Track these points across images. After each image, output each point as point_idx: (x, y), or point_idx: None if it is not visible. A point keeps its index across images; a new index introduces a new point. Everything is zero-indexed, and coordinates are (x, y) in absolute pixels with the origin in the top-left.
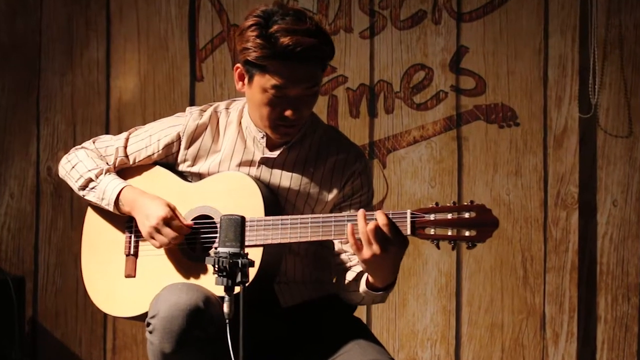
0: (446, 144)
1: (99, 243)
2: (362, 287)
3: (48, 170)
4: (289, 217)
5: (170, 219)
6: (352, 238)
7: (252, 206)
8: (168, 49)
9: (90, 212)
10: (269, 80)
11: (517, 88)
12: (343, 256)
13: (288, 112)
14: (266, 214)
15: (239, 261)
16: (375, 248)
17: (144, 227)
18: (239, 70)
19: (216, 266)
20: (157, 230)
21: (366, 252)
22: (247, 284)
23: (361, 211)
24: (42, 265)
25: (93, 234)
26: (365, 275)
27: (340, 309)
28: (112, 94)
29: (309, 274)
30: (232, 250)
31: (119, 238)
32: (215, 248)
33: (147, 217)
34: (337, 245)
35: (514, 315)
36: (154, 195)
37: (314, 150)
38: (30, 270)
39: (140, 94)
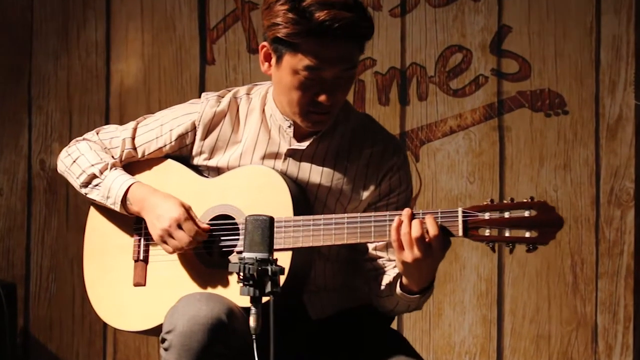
0: (486, 134)
1: (104, 247)
2: (398, 290)
3: (41, 163)
4: (322, 216)
5: (185, 221)
6: (395, 233)
7: (278, 204)
8: (175, 28)
9: (93, 212)
10: (301, 61)
11: (566, 72)
12: (378, 262)
13: (322, 97)
14: (295, 214)
15: (269, 268)
16: (418, 252)
17: (155, 229)
18: (265, 49)
19: (241, 274)
20: (170, 234)
21: (407, 255)
22: (277, 294)
23: (407, 211)
24: (35, 270)
25: (97, 237)
26: (401, 277)
27: (377, 320)
28: (112, 79)
29: (341, 281)
30: (259, 255)
31: (127, 242)
32: (238, 252)
33: (159, 218)
34: (371, 250)
35: (562, 325)
36: (166, 194)
37: (346, 142)
38: (21, 276)
39: (144, 79)
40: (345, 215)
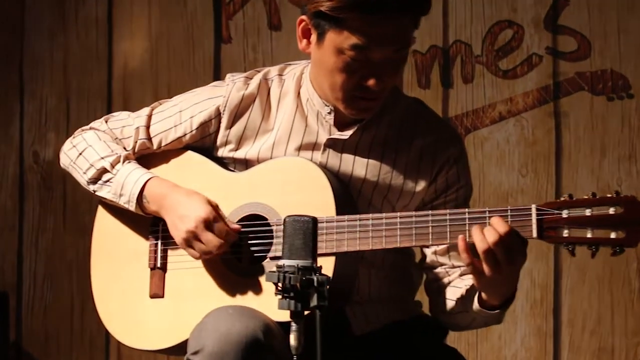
0: (541, 121)
1: (115, 253)
2: (475, 306)
3: (34, 155)
4: (370, 216)
5: (213, 221)
6: (466, 255)
7: (318, 203)
8: (186, 2)
9: (102, 212)
10: (347, 39)
11: (631, 51)
12: (439, 270)
13: (370, 81)
14: (337, 213)
15: (314, 278)
16: (497, 264)
17: (178, 231)
18: (303, 24)
19: (280, 284)
20: (197, 236)
21: (487, 271)
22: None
23: (476, 227)
24: (28, 277)
25: (106, 241)
26: (478, 292)
27: (429, 335)
28: (115, 60)
29: (387, 290)
30: (301, 263)
31: (141, 247)
32: (272, 258)
33: (182, 218)
34: (430, 255)
35: (627, 337)
36: (190, 190)
37: (395, 130)
38: (13, 283)
39: (151, 60)
40: (398, 214)
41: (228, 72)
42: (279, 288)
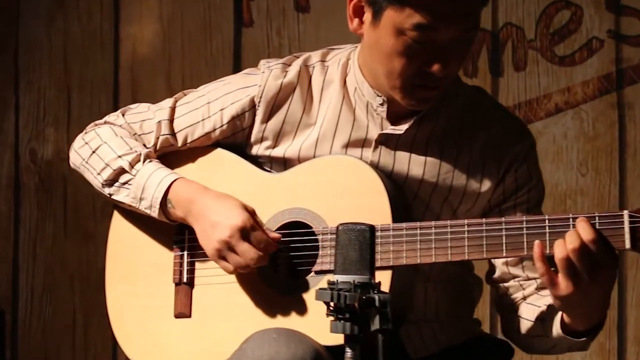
0: (602, 113)
1: (133, 266)
2: (556, 330)
3: (31, 154)
4: (432, 223)
5: (250, 229)
6: (542, 264)
7: (371, 208)
8: None
9: (118, 218)
10: (409, 17)
11: None
12: (511, 283)
13: (434, 67)
14: (394, 220)
15: (376, 296)
16: (577, 278)
17: (209, 241)
18: (355, 1)
19: (333, 304)
20: (231, 247)
21: (565, 286)
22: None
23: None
24: (24, 289)
25: (123, 251)
26: (560, 313)
27: (493, 358)
28: (122, 46)
29: (445, 307)
30: (358, 278)
31: (165, 259)
32: (316, 273)
33: (215, 226)
34: (500, 266)
35: None
36: (223, 194)
37: (455, 124)
38: (8, 297)
39: (163, 46)
40: (465, 221)
41: (249, 59)
42: (332, 308)
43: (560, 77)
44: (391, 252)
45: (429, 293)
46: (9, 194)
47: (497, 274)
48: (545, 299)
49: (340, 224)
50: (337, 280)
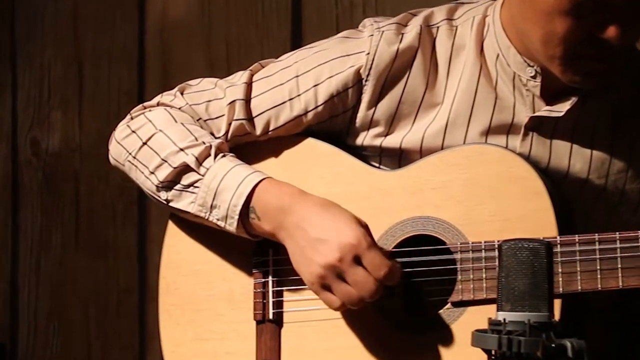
0: None
1: (197, 297)
2: None
3: (33, 144)
4: (617, 235)
5: (369, 249)
6: None
7: (530, 217)
8: None
9: (173, 231)
10: None
11: None
12: None
13: (611, 31)
14: (560, 232)
15: (568, 343)
16: None
17: (310, 265)
18: None
19: (501, 352)
20: (339, 274)
21: None
22: None
23: None
24: (26, 315)
25: (183, 277)
26: None
27: None
28: (148, 8)
29: (619, 348)
30: (534, 317)
31: (240, 287)
32: (454, 305)
33: (318, 245)
34: None
35: None
36: (327, 201)
37: (629, 104)
38: (5, 325)
39: (201, 7)
40: None
41: (312, 22)
42: (496, 357)
43: None
44: (560, 274)
45: (595, 328)
46: (6, 195)
47: None
48: None
49: (505, 241)
50: (505, 320)
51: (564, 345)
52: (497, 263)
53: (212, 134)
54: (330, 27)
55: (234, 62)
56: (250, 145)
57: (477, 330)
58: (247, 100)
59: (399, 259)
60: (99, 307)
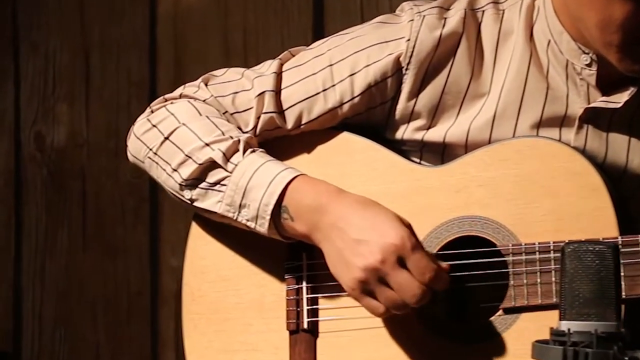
0: None
1: (224, 304)
2: None
3: (37, 139)
4: None
5: (413, 251)
6: None
7: (586, 214)
8: None
9: (197, 233)
10: None
11: None
12: None
13: None
14: (621, 232)
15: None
16: None
17: (350, 269)
18: None
19: None
20: (382, 278)
21: None
22: None
23: None
24: (30, 322)
25: (208, 283)
26: None
27: None
28: None
29: None
30: (601, 327)
31: (271, 293)
32: (506, 311)
33: (359, 247)
34: None
35: None
36: (367, 199)
37: None
38: (8, 332)
39: None
40: None
41: (336, 9)
42: None
43: None
44: (623, 277)
45: None
46: (9, 193)
47: None
48: None
49: (568, 243)
50: (569, 330)
51: (637, 359)
52: (552, 266)
53: (239, 128)
54: (354, 14)
55: (251, 51)
56: (280, 140)
57: (537, 341)
58: (277, 91)
59: (444, 263)
60: (108, 312)
